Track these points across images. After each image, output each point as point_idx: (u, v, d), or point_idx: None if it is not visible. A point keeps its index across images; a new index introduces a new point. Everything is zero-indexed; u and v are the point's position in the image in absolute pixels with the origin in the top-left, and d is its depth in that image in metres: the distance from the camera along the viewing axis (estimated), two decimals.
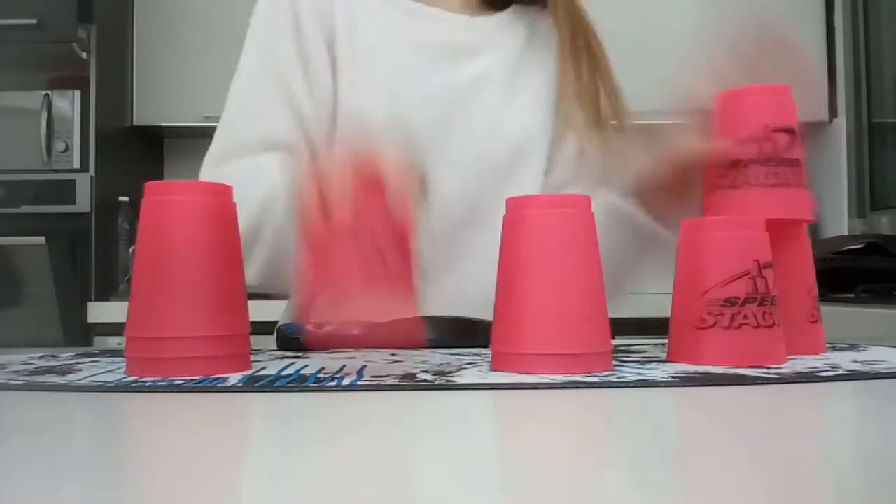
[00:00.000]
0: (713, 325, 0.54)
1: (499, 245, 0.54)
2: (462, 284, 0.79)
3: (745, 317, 0.53)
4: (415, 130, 0.81)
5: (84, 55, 2.08)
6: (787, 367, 0.53)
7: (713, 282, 0.54)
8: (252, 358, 0.61)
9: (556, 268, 0.51)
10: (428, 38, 0.85)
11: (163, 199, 0.52)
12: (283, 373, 0.52)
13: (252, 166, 0.76)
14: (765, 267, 0.54)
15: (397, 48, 0.84)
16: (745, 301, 0.54)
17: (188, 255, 0.51)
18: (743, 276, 0.54)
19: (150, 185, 0.53)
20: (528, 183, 0.84)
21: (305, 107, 0.80)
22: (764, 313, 0.54)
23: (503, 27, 0.89)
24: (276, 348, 0.70)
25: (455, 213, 0.81)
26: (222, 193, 0.54)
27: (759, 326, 0.54)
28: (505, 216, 0.54)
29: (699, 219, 0.58)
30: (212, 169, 0.80)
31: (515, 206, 0.53)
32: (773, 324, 0.54)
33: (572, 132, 0.85)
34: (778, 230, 0.58)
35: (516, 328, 0.52)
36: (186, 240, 0.52)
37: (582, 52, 0.85)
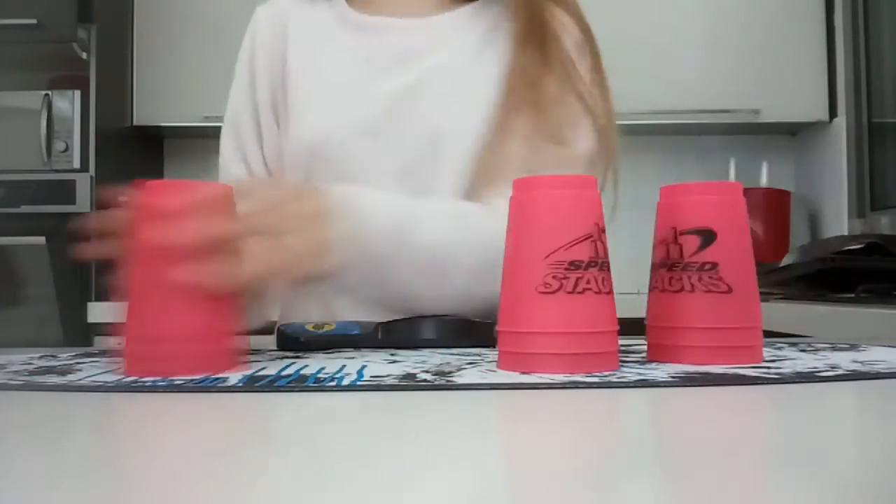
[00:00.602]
0: (558, 290, 0.51)
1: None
2: (399, 286, 0.74)
3: (588, 281, 0.51)
4: (339, 151, 0.82)
5: (84, 55, 2.08)
6: (787, 367, 0.53)
7: (559, 243, 0.51)
8: (252, 358, 0.61)
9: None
10: (376, 48, 0.85)
11: (157, 202, 0.52)
12: (283, 373, 0.52)
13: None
14: (602, 231, 0.53)
15: (344, 65, 0.86)
16: (588, 265, 0.51)
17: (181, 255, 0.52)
18: (586, 238, 0.52)
19: (148, 184, 0.53)
20: (446, 186, 0.82)
21: (255, 164, 0.89)
22: (603, 279, 0.52)
23: (462, 23, 0.87)
24: (276, 348, 0.70)
25: (386, 221, 0.72)
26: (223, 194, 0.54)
27: (599, 292, 0.52)
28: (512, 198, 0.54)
29: (532, 177, 0.54)
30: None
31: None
32: (610, 290, 0.53)
33: (508, 136, 0.80)
34: None
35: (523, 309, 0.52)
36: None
37: (535, 45, 0.81)
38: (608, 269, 0.53)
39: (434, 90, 0.83)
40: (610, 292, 0.53)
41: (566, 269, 0.51)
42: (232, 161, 0.89)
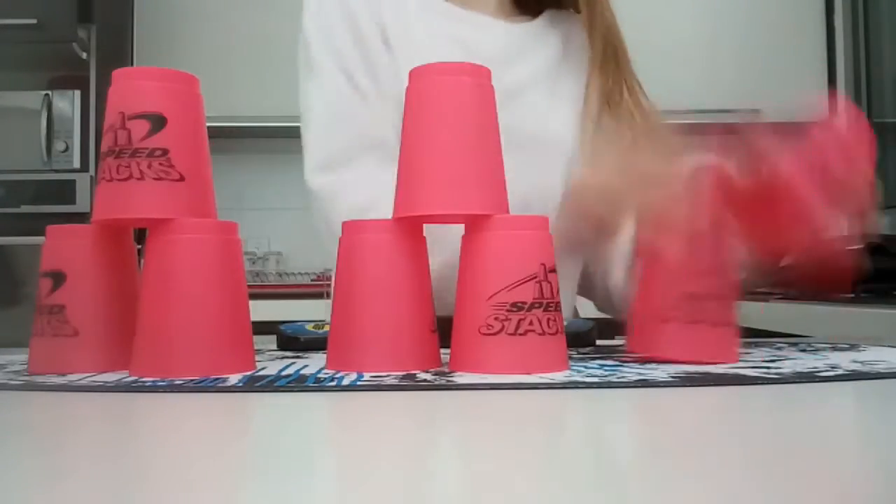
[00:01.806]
0: (499, 332, 0.51)
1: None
2: None
3: (531, 323, 0.51)
4: None
5: (84, 55, 2.08)
6: (787, 367, 0.53)
7: (501, 284, 0.52)
8: None
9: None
10: (473, 42, 0.86)
11: (170, 238, 0.52)
12: (283, 373, 0.52)
13: (354, 176, 0.80)
14: (550, 271, 0.53)
15: (448, 49, 0.84)
16: (532, 306, 0.52)
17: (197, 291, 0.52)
18: (530, 279, 0.52)
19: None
20: (551, 188, 0.84)
21: (376, 104, 0.81)
22: (549, 319, 0.52)
23: (538, 35, 0.89)
24: (276, 348, 0.70)
25: None
26: (227, 230, 0.54)
27: (543, 333, 0.52)
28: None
29: (481, 215, 0.54)
30: (320, 177, 0.82)
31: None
32: (557, 331, 0.53)
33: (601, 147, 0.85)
34: None
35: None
36: (194, 274, 0.52)
37: (611, 64, 0.86)
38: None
39: (535, 96, 0.86)
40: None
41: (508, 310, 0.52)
42: (338, 87, 0.83)
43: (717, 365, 0.54)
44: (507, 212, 0.55)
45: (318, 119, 0.84)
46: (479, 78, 0.55)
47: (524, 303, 0.51)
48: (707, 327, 0.54)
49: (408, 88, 0.56)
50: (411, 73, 0.56)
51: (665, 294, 0.54)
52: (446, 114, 0.54)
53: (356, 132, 0.82)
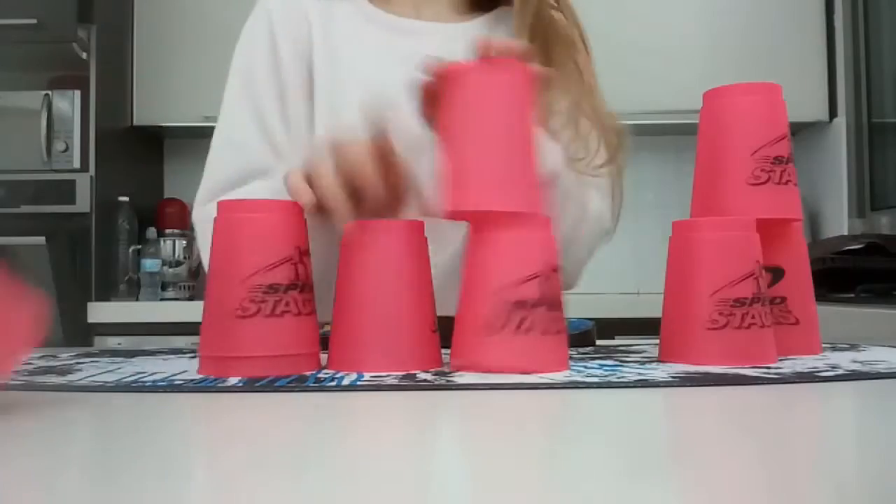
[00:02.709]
0: (725, 326, 0.54)
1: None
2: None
3: (754, 317, 0.54)
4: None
5: (84, 55, 2.08)
6: (787, 367, 0.53)
7: (723, 282, 0.54)
8: None
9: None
10: (408, 51, 0.85)
11: (237, 216, 0.53)
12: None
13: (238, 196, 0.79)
14: (764, 268, 0.55)
15: (378, 64, 0.84)
16: (752, 301, 0.54)
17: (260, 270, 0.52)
18: (749, 276, 0.54)
19: (223, 204, 0.54)
20: None
21: (279, 136, 0.82)
22: (766, 313, 0.55)
23: (484, 30, 0.87)
24: None
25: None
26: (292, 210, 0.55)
27: (764, 326, 0.55)
28: None
29: (692, 219, 0.57)
30: (200, 209, 0.82)
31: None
32: (773, 322, 0.55)
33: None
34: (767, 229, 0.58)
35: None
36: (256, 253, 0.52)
37: (535, 57, 0.83)
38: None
39: None
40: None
41: None
42: (242, 119, 0.83)
43: (548, 374, 0.51)
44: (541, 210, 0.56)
45: (213, 146, 0.84)
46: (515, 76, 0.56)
47: (746, 298, 0.54)
48: (757, 329, 0.54)
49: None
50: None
51: (492, 303, 0.52)
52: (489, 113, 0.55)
53: (244, 159, 0.82)
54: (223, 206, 0.54)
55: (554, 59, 0.82)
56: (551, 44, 0.83)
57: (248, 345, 0.51)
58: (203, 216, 0.80)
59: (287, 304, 0.51)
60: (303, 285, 0.53)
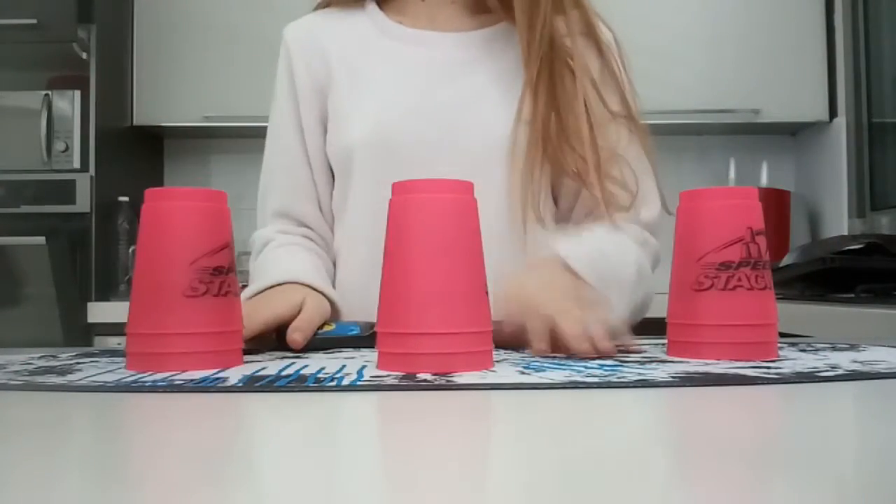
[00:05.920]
0: (710, 287, 0.57)
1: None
2: None
3: (739, 279, 0.57)
4: (400, 148, 0.83)
5: (84, 55, 2.08)
6: (787, 367, 0.53)
7: (710, 247, 0.57)
8: (252, 358, 0.61)
9: (441, 250, 0.53)
10: (423, 58, 0.87)
11: (161, 205, 0.55)
12: (283, 373, 0.52)
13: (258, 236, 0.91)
14: (757, 234, 0.57)
15: (396, 74, 0.87)
16: (739, 265, 0.57)
17: (186, 255, 0.54)
18: (737, 241, 0.57)
19: (149, 192, 0.56)
20: (501, 193, 0.83)
21: (301, 171, 0.89)
22: (756, 276, 0.57)
23: (496, 40, 0.88)
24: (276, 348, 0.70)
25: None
26: (217, 199, 0.57)
27: (752, 288, 0.57)
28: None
29: (697, 189, 0.60)
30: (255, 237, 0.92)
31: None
32: (766, 286, 0.57)
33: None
34: None
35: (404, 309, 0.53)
36: (185, 241, 0.54)
37: (543, 82, 0.82)
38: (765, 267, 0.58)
39: (490, 101, 0.85)
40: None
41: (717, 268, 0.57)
42: (278, 187, 0.91)
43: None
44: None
45: (261, 181, 0.93)
46: (462, 194, 0.56)
47: (732, 262, 0.57)
48: (743, 291, 0.57)
49: (391, 201, 0.56)
50: (394, 187, 0.56)
51: (698, 264, 0.57)
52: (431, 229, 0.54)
53: (274, 200, 0.90)
54: (685, 196, 0.60)
55: (556, 79, 0.82)
56: (556, 63, 0.82)
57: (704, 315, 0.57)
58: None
59: (739, 279, 0.57)
60: (755, 262, 0.57)
